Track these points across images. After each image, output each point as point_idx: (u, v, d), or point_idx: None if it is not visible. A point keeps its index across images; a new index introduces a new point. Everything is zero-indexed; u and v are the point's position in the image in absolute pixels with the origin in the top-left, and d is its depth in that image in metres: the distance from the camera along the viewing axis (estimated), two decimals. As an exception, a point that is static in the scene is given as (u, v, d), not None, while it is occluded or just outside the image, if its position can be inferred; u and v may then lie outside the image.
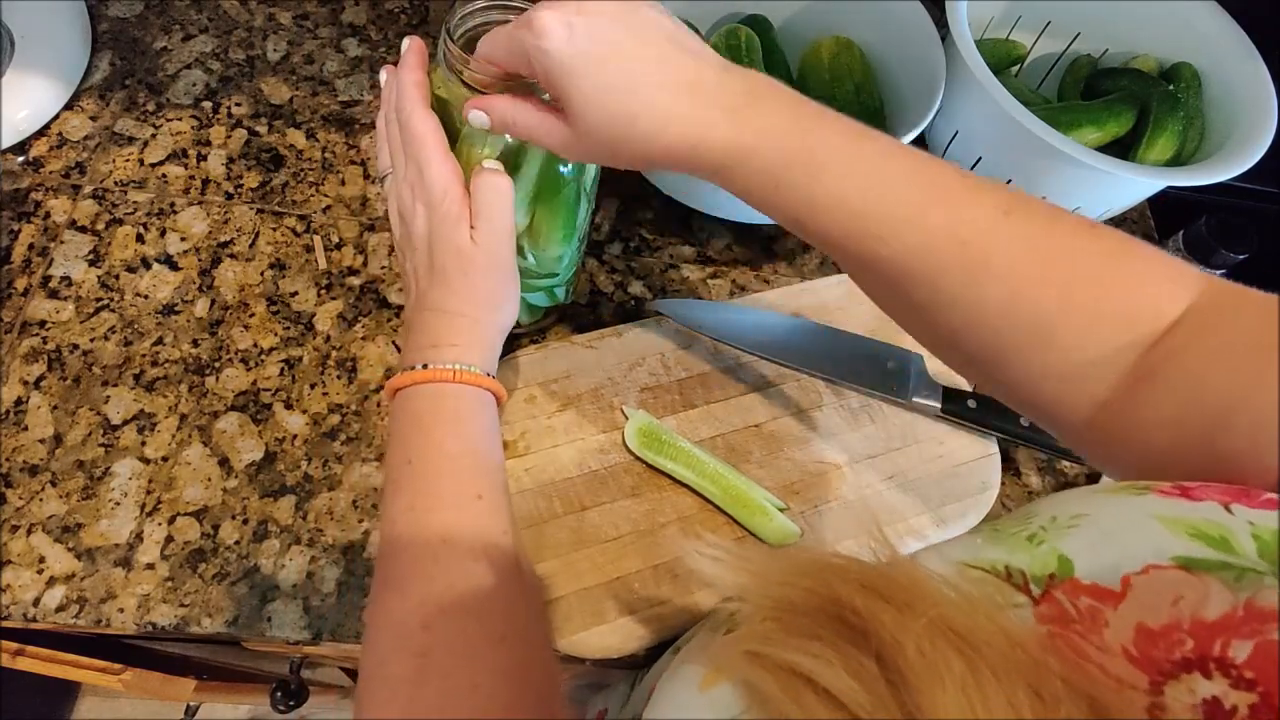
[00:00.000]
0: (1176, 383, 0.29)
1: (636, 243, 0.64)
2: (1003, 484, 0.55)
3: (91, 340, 0.54)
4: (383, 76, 0.43)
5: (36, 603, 0.46)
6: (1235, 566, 0.19)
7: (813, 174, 0.32)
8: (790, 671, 0.19)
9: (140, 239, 0.58)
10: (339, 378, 0.55)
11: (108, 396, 0.52)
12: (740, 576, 0.23)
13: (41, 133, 0.61)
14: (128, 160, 0.61)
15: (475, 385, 0.41)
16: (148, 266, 0.57)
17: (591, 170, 0.47)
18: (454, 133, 0.43)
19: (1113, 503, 0.24)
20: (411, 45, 0.42)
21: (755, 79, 0.34)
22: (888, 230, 0.32)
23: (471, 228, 0.41)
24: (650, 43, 0.33)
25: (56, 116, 0.62)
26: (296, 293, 0.57)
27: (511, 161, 0.43)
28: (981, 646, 0.18)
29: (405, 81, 0.41)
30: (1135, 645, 0.19)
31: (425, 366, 0.40)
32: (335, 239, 0.60)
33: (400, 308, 0.58)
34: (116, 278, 0.56)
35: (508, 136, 0.43)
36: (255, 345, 0.55)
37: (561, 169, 0.45)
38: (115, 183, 0.60)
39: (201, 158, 0.62)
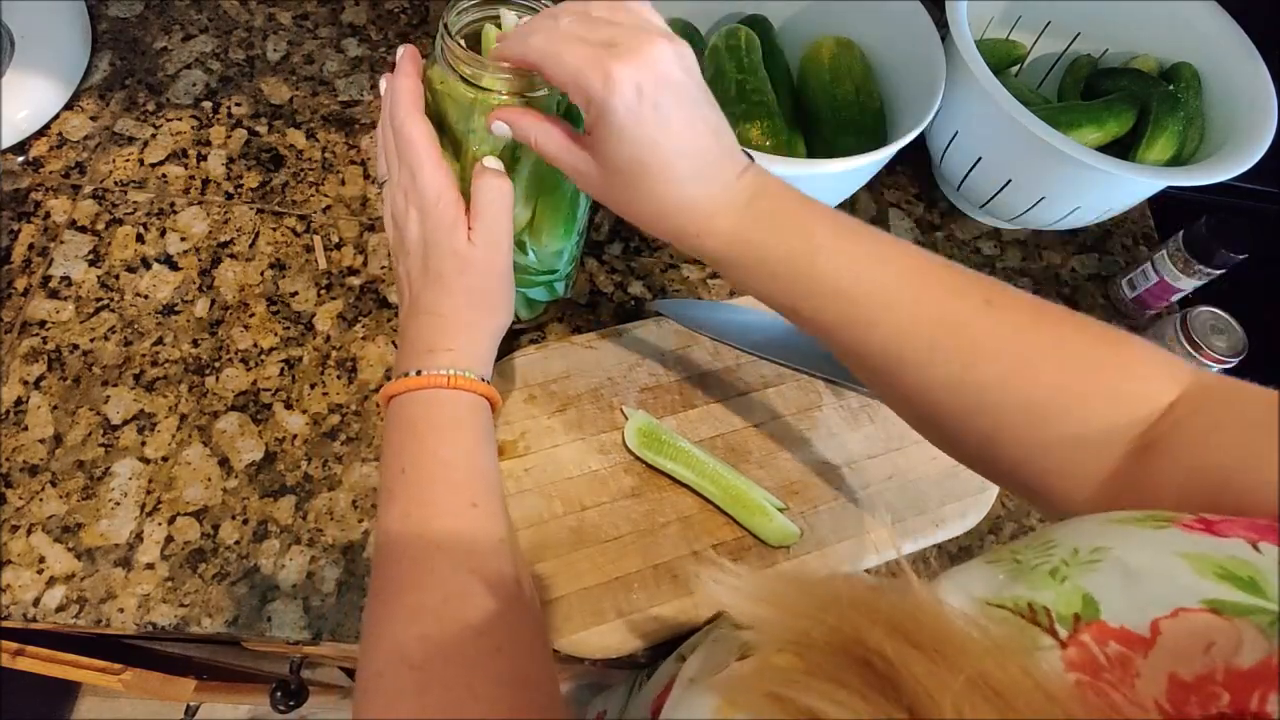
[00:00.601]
0: (1182, 449, 0.30)
1: (636, 243, 0.64)
2: (1003, 484, 0.55)
3: (91, 340, 0.54)
4: (382, 84, 0.43)
5: (36, 603, 0.46)
6: (1268, 611, 0.19)
7: (808, 264, 0.34)
8: (814, 718, 0.19)
9: (140, 239, 0.58)
10: (339, 378, 0.55)
11: (108, 396, 0.52)
12: (758, 607, 0.23)
13: (41, 133, 0.61)
14: (128, 160, 0.61)
15: (469, 391, 0.41)
16: (148, 266, 0.57)
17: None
18: (450, 129, 0.43)
19: (1135, 537, 0.23)
20: (405, 52, 0.42)
21: (766, 178, 0.36)
22: (879, 315, 0.34)
23: (469, 228, 0.41)
24: (697, 134, 0.35)
25: (56, 116, 0.62)
26: (296, 293, 0.57)
27: (509, 154, 0.43)
28: (1020, 705, 0.17)
29: (398, 88, 0.41)
30: (1169, 699, 0.18)
31: (419, 372, 0.40)
32: (335, 239, 0.60)
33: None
34: (116, 278, 0.56)
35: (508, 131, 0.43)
36: (255, 345, 0.55)
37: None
38: (115, 183, 0.60)
39: (201, 158, 0.62)
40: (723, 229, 0.35)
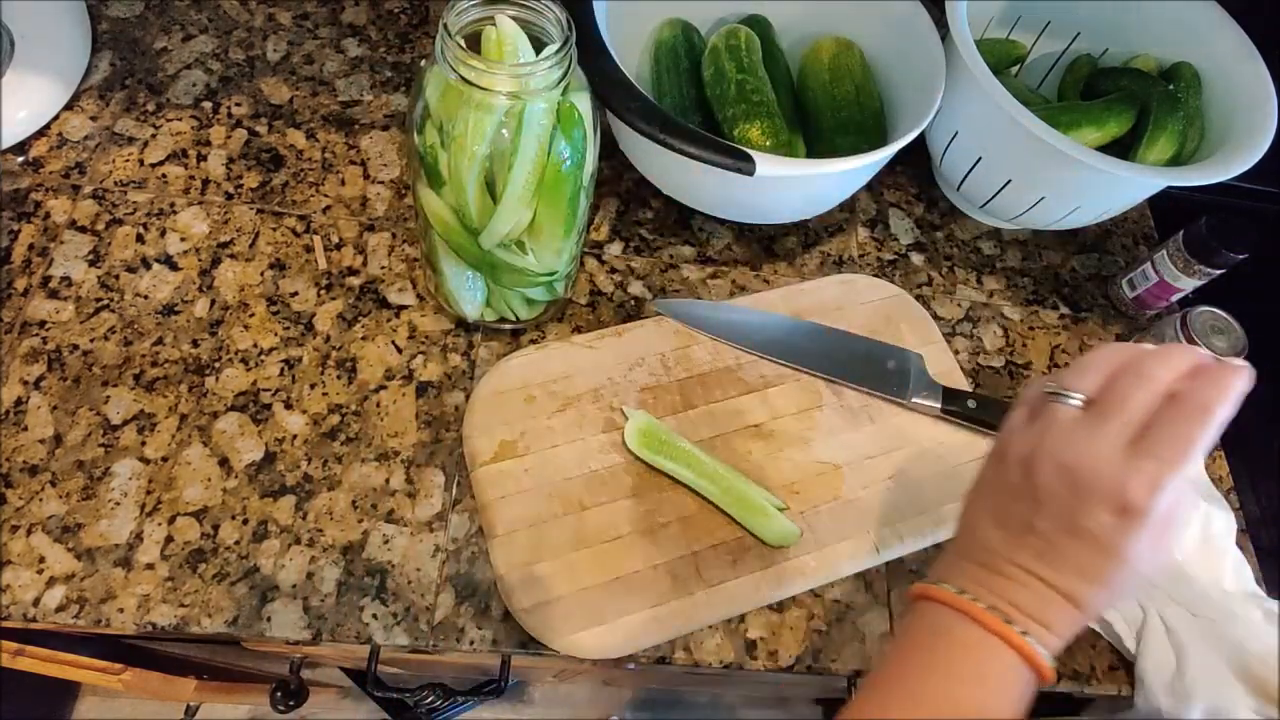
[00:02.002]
0: None
1: (636, 243, 0.64)
2: (1003, 484, 0.55)
3: (91, 340, 0.54)
4: (1231, 365, 0.34)
5: (36, 603, 0.46)
6: None
7: None
8: None
9: (140, 239, 0.58)
10: (339, 378, 0.55)
11: (108, 396, 0.52)
12: None
13: (41, 133, 0.61)
14: (128, 160, 0.61)
15: (1038, 675, 0.34)
16: (148, 266, 0.57)
17: (590, 166, 0.47)
18: (449, 129, 0.43)
19: None
20: (1245, 372, 0.34)
21: None
22: None
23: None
24: None
25: (56, 116, 0.62)
26: (296, 293, 0.57)
27: (505, 161, 0.43)
28: None
29: (1233, 388, 0.33)
30: None
31: (1025, 634, 0.34)
32: (335, 239, 0.60)
33: (400, 307, 0.58)
34: (116, 278, 0.56)
35: (505, 132, 0.42)
36: (255, 345, 0.55)
37: (562, 165, 0.45)
38: (115, 183, 0.60)
39: (201, 158, 0.62)
40: None
